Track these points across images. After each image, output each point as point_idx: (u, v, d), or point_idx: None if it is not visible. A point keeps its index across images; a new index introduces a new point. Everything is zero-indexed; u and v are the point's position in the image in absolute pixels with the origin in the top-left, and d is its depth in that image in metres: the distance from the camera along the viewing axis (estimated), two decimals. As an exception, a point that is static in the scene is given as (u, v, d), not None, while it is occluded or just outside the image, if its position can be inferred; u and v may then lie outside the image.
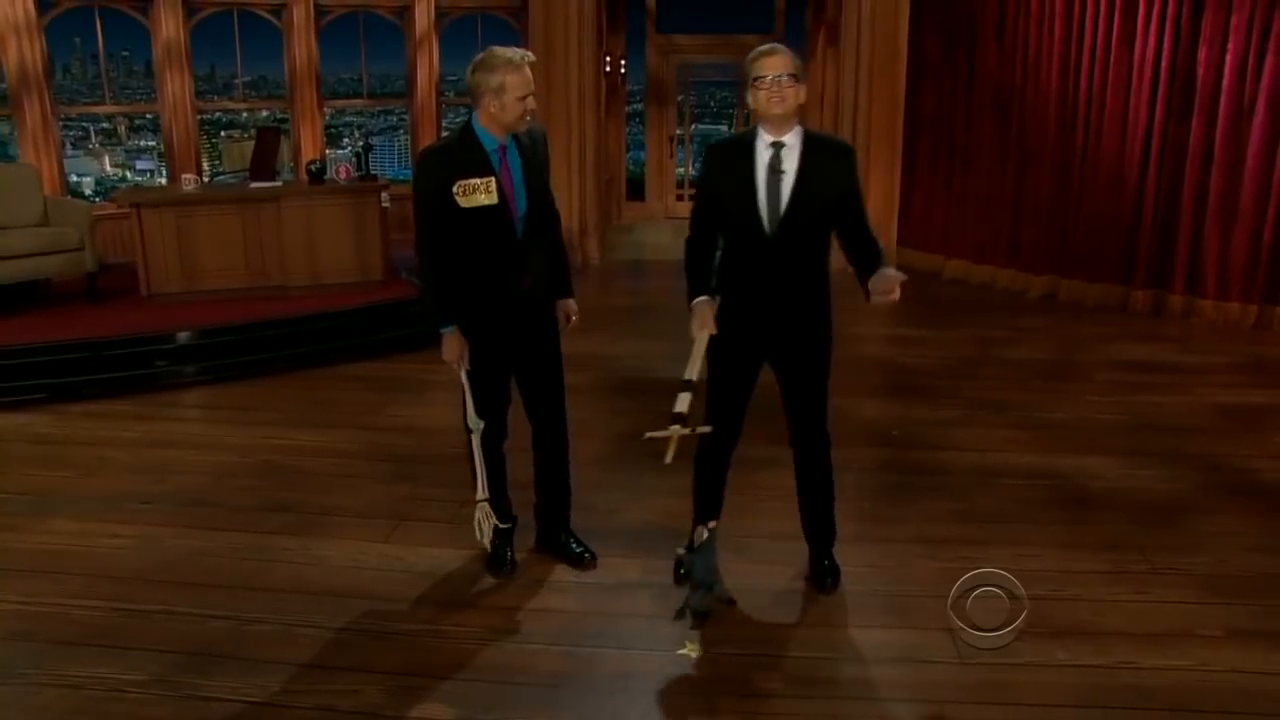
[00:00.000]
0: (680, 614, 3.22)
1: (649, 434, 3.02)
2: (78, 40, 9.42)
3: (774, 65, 3.05)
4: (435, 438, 4.89)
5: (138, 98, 9.77)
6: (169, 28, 8.48)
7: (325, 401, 5.63)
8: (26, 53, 7.82)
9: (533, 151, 3.37)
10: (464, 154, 3.24)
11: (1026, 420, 5.25)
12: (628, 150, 12.15)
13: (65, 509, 4.18)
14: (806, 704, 2.91)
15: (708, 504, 3.59)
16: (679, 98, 11.72)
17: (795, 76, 3.06)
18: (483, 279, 3.33)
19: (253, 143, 7.65)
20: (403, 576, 3.61)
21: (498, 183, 3.24)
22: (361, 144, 8.10)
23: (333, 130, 10.66)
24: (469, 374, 3.41)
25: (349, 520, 4.07)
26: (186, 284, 6.84)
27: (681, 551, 3.32)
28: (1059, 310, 7.77)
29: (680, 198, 11.71)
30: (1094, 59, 7.63)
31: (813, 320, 3.32)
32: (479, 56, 3.22)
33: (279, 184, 7.28)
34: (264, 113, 9.84)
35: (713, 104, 13.04)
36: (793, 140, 3.12)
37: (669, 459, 2.96)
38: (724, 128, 12.83)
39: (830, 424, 3.44)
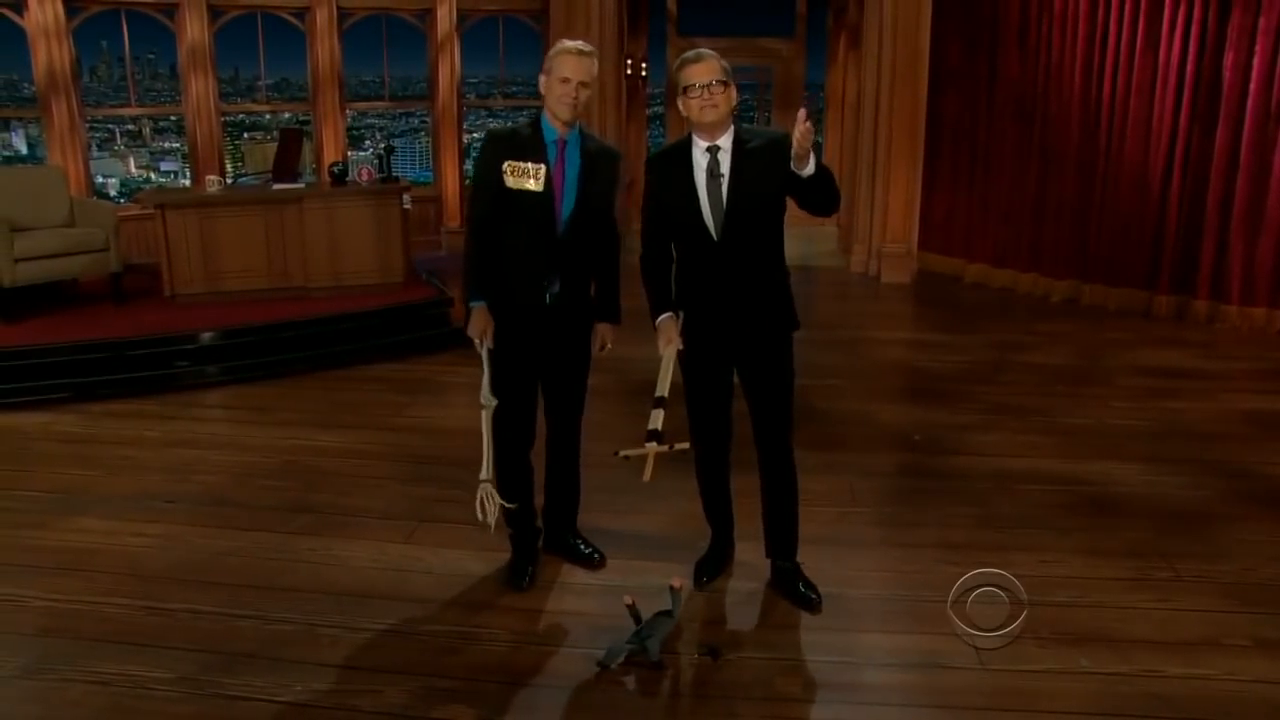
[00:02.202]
0: (608, 657, 3.06)
1: (623, 452, 3.04)
2: (104, 43, 9.52)
3: (702, 73, 3.04)
4: (456, 439, 4.92)
5: (162, 100, 9.86)
6: (194, 31, 8.57)
7: (346, 402, 5.67)
8: (55, 56, 7.92)
9: (596, 160, 3.38)
10: (524, 138, 3.31)
11: (1048, 425, 5.22)
12: (648, 153, 12.15)
13: (92, 507, 4.22)
14: (827, 708, 2.91)
15: (716, 513, 3.63)
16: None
17: (724, 82, 3.06)
18: (516, 267, 3.36)
19: (275, 144, 7.71)
20: (424, 578, 3.63)
21: (548, 173, 3.27)
22: (383, 146, 8.15)
23: (354, 132, 10.72)
24: (490, 352, 3.42)
25: (370, 521, 4.10)
26: (209, 285, 6.90)
27: (629, 601, 3.15)
28: (1081, 315, 7.72)
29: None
30: (1118, 63, 7.58)
31: (772, 322, 3.28)
32: None
33: (301, 186, 7.33)
34: (286, 115, 9.91)
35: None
36: (727, 143, 3.13)
37: (648, 476, 2.98)
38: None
39: (794, 430, 3.38)
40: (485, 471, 3.44)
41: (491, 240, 3.37)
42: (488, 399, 3.43)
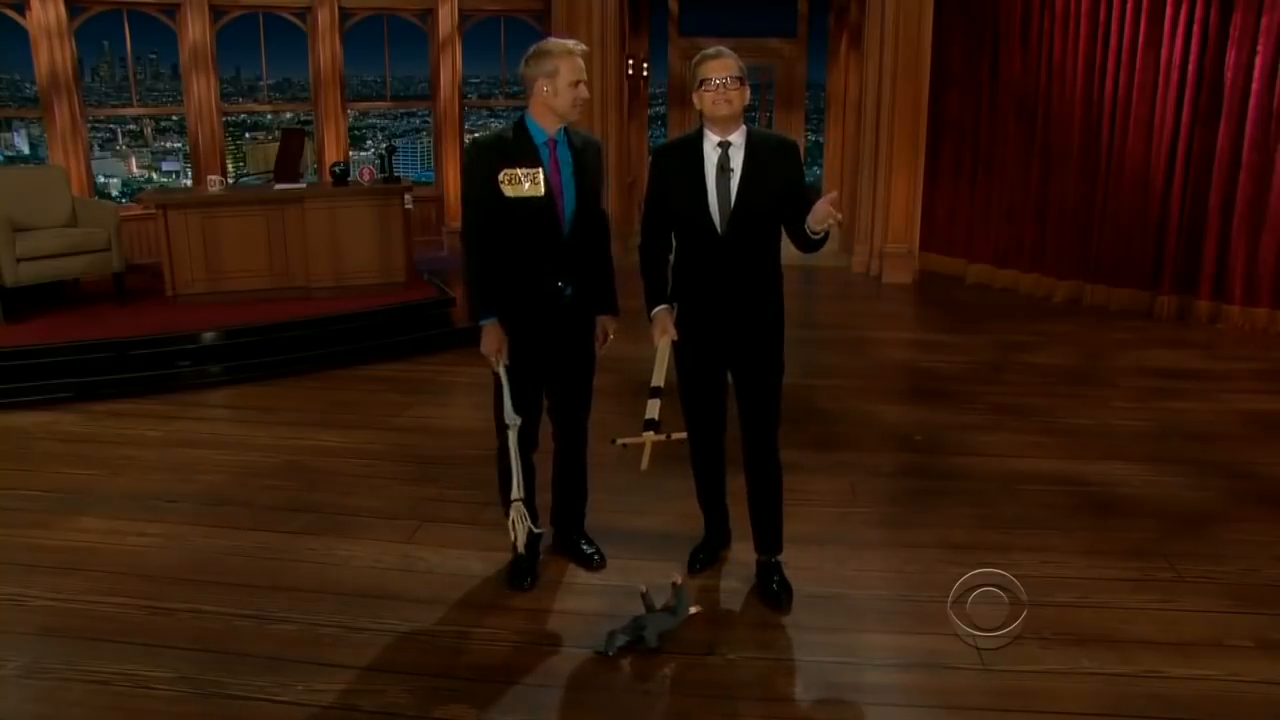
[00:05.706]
0: (608, 644, 3.11)
1: (620, 440, 3.08)
2: (106, 43, 9.51)
3: (719, 68, 3.12)
4: (457, 439, 4.92)
5: (164, 100, 9.86)
6: (195, 30, 8.57)
7: (348, 402, 5.67)
8: (57, 56, 7.92)
9: (584, 153, 3.35)
10: (514, 145, 3.25)
11: (1050, 426, 5.21)
12: (650, 153, 12.14)
13: (93, 507, 4.23)
14: (828, 709, 2.91)
15: (710, 502, 3.65)
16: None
17: (740, 79, 3.14)
18: (525, 275, 3.31)
19: (277, 145, 7.71)
20: (425, 577, 3.63)
21: (545, 175, 3.23)
22: (385, 146, 8.15)
23: (356, 132, 10.72)
24: (507, 369, 3.35)
25: (372, 521, 4.10)
26: (211, 285, 6.91)
27: (643, 590, 3.20)
28: (1083, 315, 7.71)
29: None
30: (1120, 62, 7.57)
31: (765, 319, 3.32)
32: (532, 48, 3.25)
33: (303, 186, 7.33)
34: (288, 115, 9.91)
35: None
36: (738, 139, 3.20)
37: (645, 465, 3.04)
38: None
39: (779, 427, 3.40)
40: (516, 490, 3.39)
41: (493, 252, 3.30)
42: (511, 418, 3.36)
